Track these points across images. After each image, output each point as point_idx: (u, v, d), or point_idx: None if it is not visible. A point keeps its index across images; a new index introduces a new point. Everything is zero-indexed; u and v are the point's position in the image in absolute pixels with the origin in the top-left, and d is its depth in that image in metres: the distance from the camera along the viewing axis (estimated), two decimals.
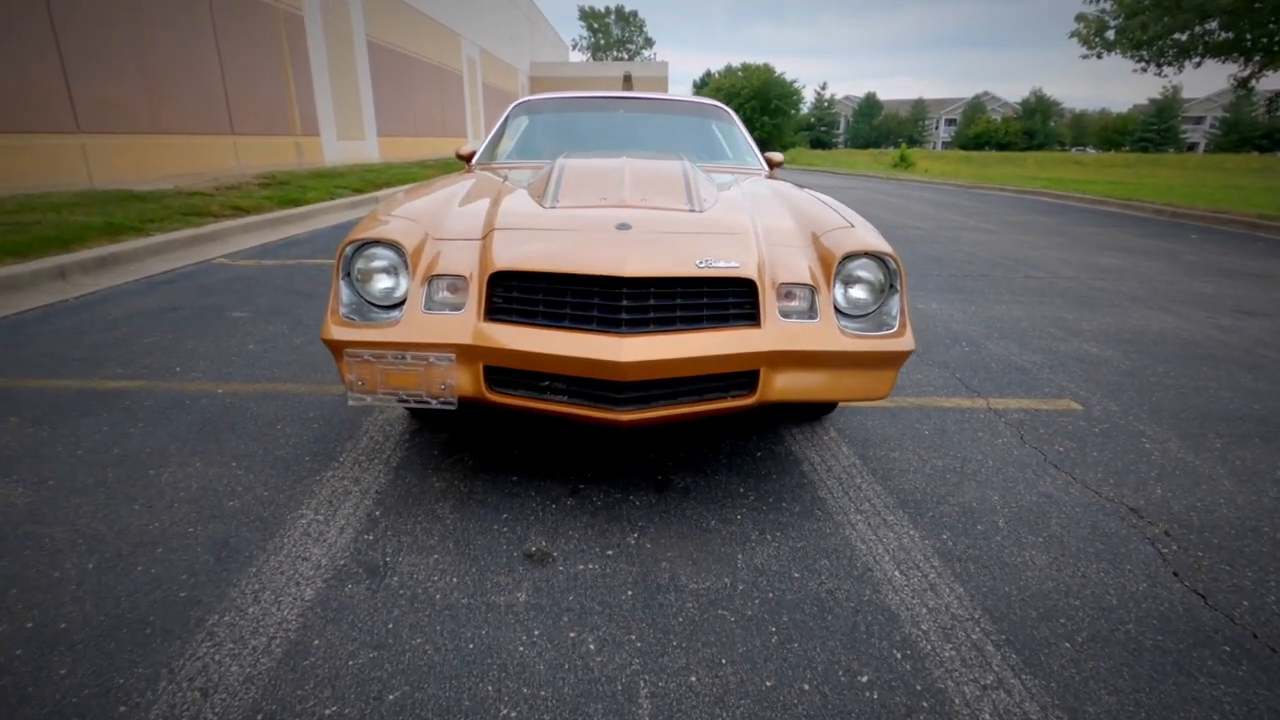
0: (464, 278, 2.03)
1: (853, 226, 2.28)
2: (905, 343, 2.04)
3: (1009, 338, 4.42)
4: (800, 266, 2.14)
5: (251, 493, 2.28)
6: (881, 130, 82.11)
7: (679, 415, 1.99)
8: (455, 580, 1.86)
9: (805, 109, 67.48)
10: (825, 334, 2.01)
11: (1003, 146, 67.20)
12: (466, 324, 1.97)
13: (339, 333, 1.96)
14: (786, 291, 2.10)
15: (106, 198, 7.92)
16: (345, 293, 2.06)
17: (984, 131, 71.00)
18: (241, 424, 2.81)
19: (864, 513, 2.26)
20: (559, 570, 1.91)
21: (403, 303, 2.05)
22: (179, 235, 6.66)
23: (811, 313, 2.08)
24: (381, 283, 2.08)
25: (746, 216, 2.34)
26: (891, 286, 2.14)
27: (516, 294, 1.97)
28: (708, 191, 2.56)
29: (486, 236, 2.14)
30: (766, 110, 53.28)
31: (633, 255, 1.94)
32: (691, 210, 2.33)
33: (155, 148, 10.20)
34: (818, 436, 2.85)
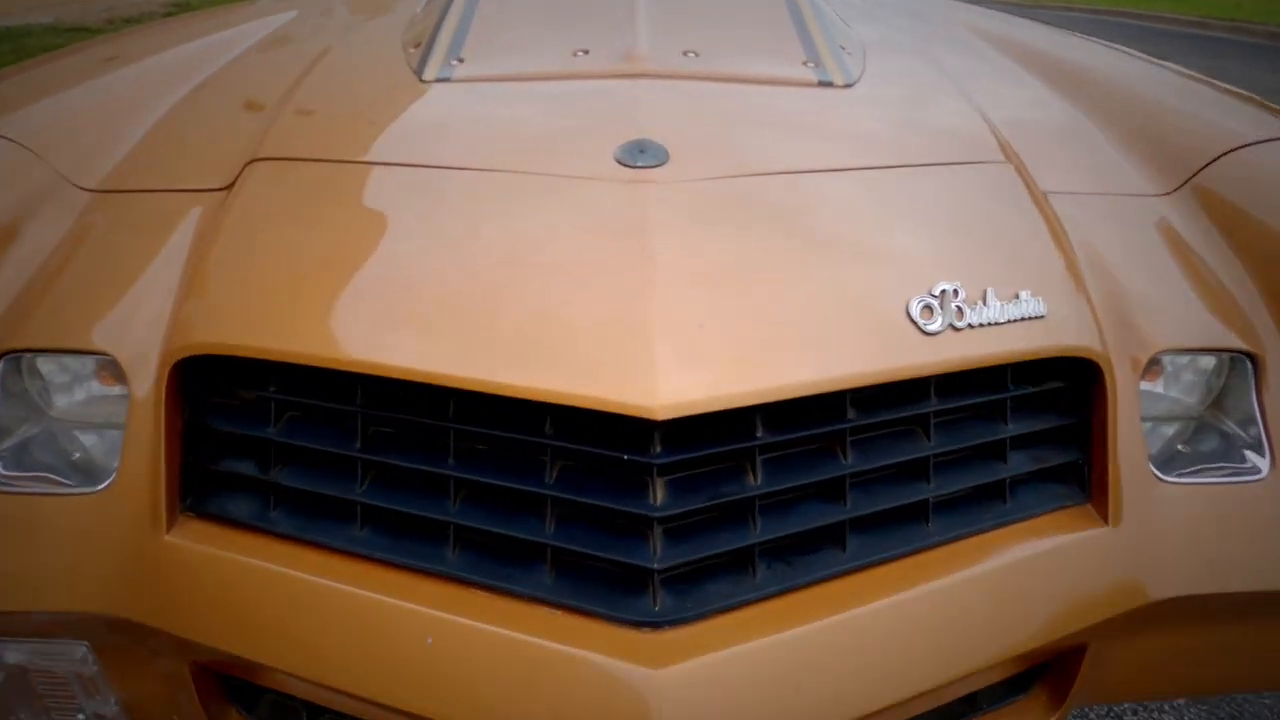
0: (112, 361, 0.60)
1: None
2: None
3: None
4: (1179, 283, 0.70)
5: None
6: None
7: None
8: None
9: None
10: None
11: None
12: (120, 530, 0.58)
13: None
14: (1158, 367, 0.68)
15: None
16: None
17: None
18: None
19: None
20: None
21: None
22: None
23: (1234, 442, 0.67)
24: None
25: (972, 109, 0.87)
26: None
27: (282, 436, 0.57)
28: (841, 31, 1.04)
29: (228, 188, 0.70)
30: None
31: (673, 291, 0.54)
32: (822, 82, 0.86)
33: None
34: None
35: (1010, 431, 0.60)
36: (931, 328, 0.56)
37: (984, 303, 0.58)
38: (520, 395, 0.49)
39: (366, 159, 0.71)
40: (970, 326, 0.57)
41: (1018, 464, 0.61)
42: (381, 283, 0.57)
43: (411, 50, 0.93)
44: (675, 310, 0.52)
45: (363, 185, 0.68)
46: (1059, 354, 0.59)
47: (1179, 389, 0.71)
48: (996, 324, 0.57)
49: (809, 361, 0.52)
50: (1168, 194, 0.79)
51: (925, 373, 0.55)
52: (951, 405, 0.59)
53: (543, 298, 0.54)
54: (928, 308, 0.56)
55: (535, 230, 0.59)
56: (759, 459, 0.54)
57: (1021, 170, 0.76)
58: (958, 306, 0.57)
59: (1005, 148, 0.80)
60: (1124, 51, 1.16)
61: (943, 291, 0.57)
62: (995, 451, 0.61)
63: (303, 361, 0.54)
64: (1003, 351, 0.57)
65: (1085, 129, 0.89)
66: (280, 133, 0.76)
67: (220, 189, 0.71)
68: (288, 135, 0.76)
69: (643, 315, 0.51)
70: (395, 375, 0.52)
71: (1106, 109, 0.93)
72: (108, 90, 0.91)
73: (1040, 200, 0.73)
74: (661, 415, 0.48)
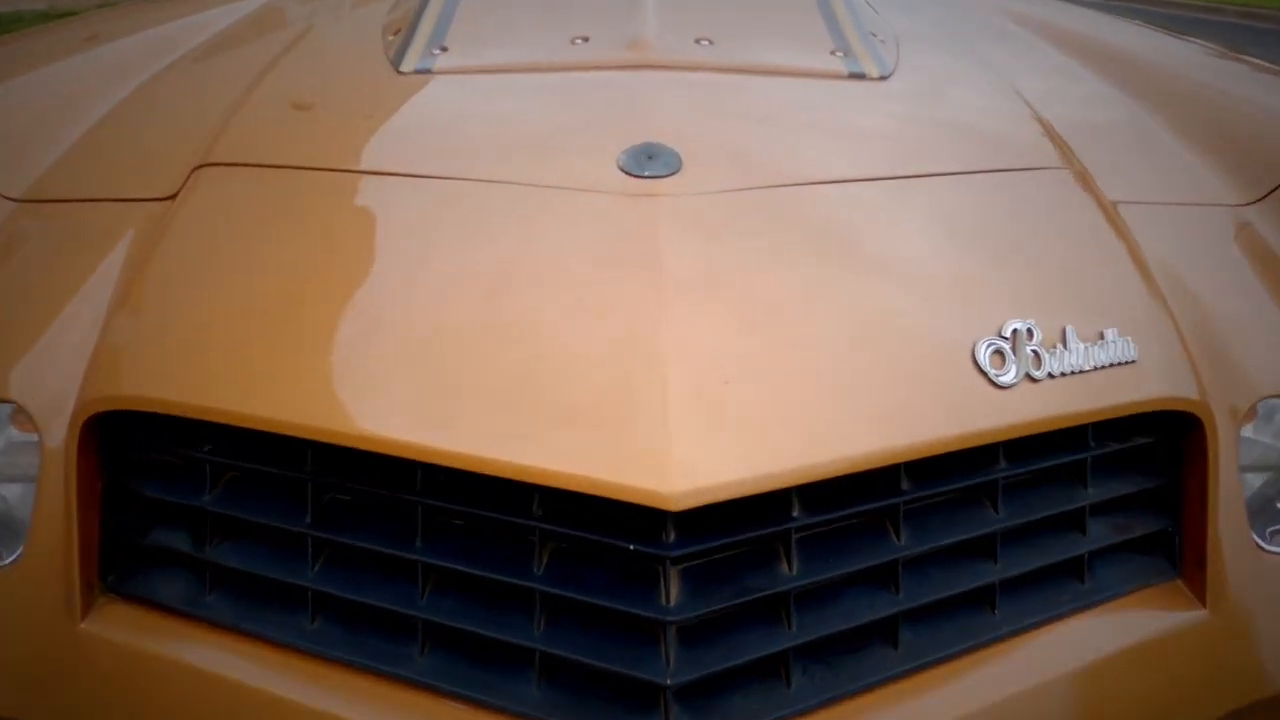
0: (21, 411, 0.51)
1: None
2: None
3: None
4: (1275, 311, 0.60)
5: None
6: None
7: None
8: None
9: None
10: None
11: None
12: (26, 614, 0.48)
13: None
14: (1252, 411, 0.58)
15: None
16: None
17: None
18: None
19: None
20: None
21: None
22: None
23: None
24: None
25: (1024, 106, 0.77)
26: None
27: (218, 506, 0.47)
28: (870, 17, 0.94)
29: (171, 199, 0.60)
30: None
31: (691, 336, 0.44)
32: (854, 74, 0.76)
33: None
34: None
35: (1090, 497, 0.50)
36: (1004, 379, 0.46)
37: (1064, 345, 0.48)
38: (500, 474, 0.40)
39: (329, 166, 0.61)
40: (1050, 376, 0.47)
41: (1097, 535, 0.51)
42: (335, 327, 0.47)
43: (391, 37, 0.83)
44: (694, 363, 0.42)
45: (323, 199, 0.58)
46: (1157, 407, 0.49)
47: (1271, 433, 0.61)
48: (1081, 372, 0.48)
49: (860, 427, 0.42)
50: (1252, 203, 0.69)
51: (1001, 437, 0.45)
52: (1023, 470, 0.49)
53: (530, 348, 0.44)
54: (998, 353, 0.47)
55: (522, 258, 0.49)
56: (794, 539, 0.44)
57: (1085, 178, 0.66)
58: (1034, 351, 0.47)
59: (1064, 151, 0.70)
60: (1187, 40, 1.05)
61: (1014, 332, 0.47)
62: (1072, 521, 0.51)
63: (239, 423, 0.44)
64: (1092, 407, 0.47)
65: (1150, 128, 0.79)
66: (236, 133, 0.66)
67: (163, 199, 0.62)
68: (244, 136, 0.66)
69: (654, 369, 0.41)
70: (350, 444, 0.42)
71: (1173, 105, 0.82)
72: (50, 81, 0.81)
73: (1111, 213, 0.63)
74: (678, 505, 0.38)
